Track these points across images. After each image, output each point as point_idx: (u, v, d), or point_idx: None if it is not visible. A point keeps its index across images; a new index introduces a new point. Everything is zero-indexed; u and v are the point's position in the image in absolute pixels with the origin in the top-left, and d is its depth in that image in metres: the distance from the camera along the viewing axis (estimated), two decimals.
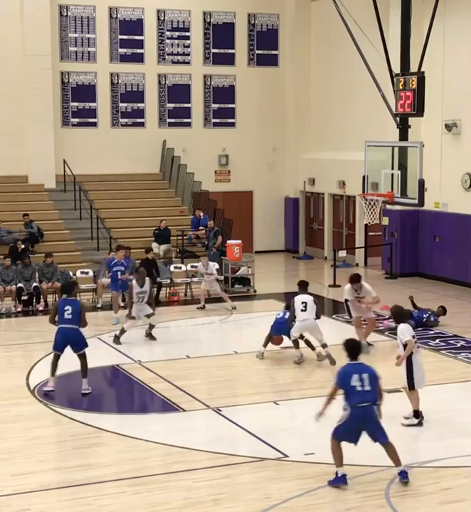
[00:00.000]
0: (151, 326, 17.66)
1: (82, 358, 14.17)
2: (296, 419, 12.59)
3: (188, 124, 29.53)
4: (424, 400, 13.13)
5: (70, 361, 16.40)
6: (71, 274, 21.69)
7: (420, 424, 12.24)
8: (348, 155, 26.48)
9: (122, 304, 19.68)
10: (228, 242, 23.83)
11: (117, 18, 28.39)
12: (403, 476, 10.04)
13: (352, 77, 26.90)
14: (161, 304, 21.46)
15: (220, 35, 29.57)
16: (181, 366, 15.70)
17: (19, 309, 20.64)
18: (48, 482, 10.28)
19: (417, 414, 12.29)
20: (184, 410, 13.10)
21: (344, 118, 28.22)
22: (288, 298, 22.44)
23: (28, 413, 13.03)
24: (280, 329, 15.85)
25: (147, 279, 17.60)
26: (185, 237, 25.05)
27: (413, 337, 12.24)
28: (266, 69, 30.22)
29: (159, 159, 28.92)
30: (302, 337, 15.86)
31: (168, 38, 29.07)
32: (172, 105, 29.24)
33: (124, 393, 14.77)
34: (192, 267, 23.13)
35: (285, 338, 15.89)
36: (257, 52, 30.16)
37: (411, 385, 12.23)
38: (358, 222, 27.18)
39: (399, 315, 12.63)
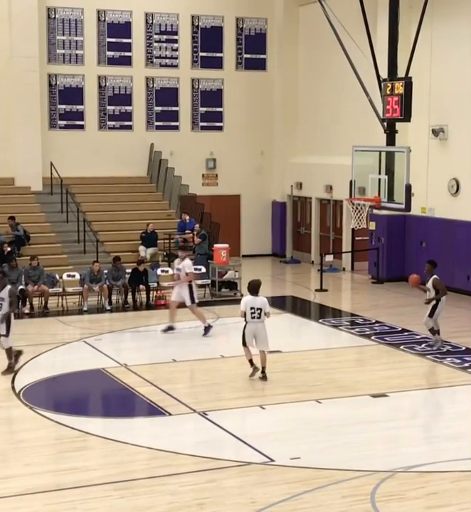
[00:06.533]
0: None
1: None
2: (282, 424, 12.58)
3: (176, 128, 29.51)
4: (412, 403, 13.25)
5: (56, 365, 16.40)
6: (57, 276, 21.64)
7: (255, 370, 14.66)
8: (336, 159, 26.52)
9: None
10: (215, 245, 23.82)
11: (105, 20, 28.35)
12: None
13: (340, 82, 26.94)
14: (149, 307, 21.48)
15: (208, 38, 29.56)
16: (167, 370, 15.68)
17: None
18: (33, 486, 10.23)
19: (251, 362, 14.69)
20: (170, 414, 13.06)
21: (331, 122, 28.26)
22: (276, 302, 22.54)
23: (13, 416, 12.97)
24: None
25: (8, 287, 15.35)
26: (172, 241, 25.03)
27: (252, 308, 14.47)
28: (254, 73, 30.24)
29: (147, 162, 28.89)
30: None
31: (156, 41, 29.04)
32: (160, 108, 29.22)
33: (109, 397, 14.73)
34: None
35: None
36: (245, 56, 30.17)
37: (243, 342, 14.67)
38: (345, 227, 27.24)
39: (253, 287, 14.68)
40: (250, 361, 14.77)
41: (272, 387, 14.42)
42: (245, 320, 14.65)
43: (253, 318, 14.56)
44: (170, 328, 18.55)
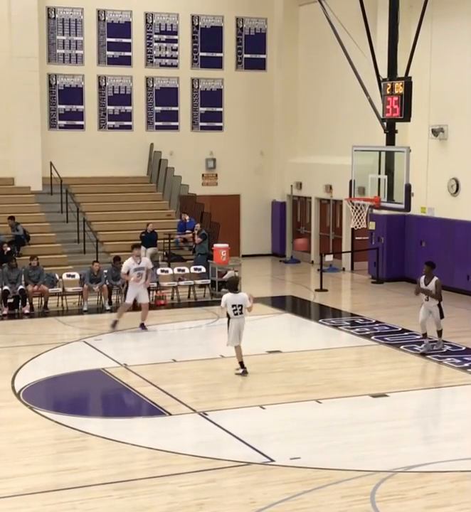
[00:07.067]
0: None
1: None
2: (282, 424, 12.58)
3: (176, 127, 29.51)
4: (412, 403, 13.25)
5: (56, 365, 16.40)
6: (57, 276, 21.64)
7: (244, 373, 14.94)
8: (336, 159, 26.52)
9: None
10: (215, 245, 23.81)
11: (104, 20, 28.34)
12: None
13: (340, 82, 26.94)
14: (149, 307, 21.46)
15: (208, 38, 29.56)
16: (167, 370, 15.67)
17: (5, 312, 20.54)
18: (33, 486, 10.23)
19: (242, 364, 15.01)
20: (170, 414, 13.06)
21: (331, 122, 28.27)
22: (276, 302, 22.56)
23: (13, 416, 12.97)
24: None
25: None
26: (172, 241, 25.03)
27: (233, 306, 14.96)
28: (254, 73, 30.24)
29: (146, 162, 28.89)
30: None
31: (156, 41, 29.04)
32: (160, 108, 29.22)
33: (109, 397, 14.73)
34: (179, 270, 23.14)
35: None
36: (245, 56, 30.17)
37: (228, 343, 15.15)
38: (345, 227, 27.24)
39: (229, 285, 15.60)
40: (241, 363, 15.08)
41: (272, 387, 14.42)
42: (228, 317, 15.14)
43: (236, 314, 15.04)
44: (116, 323, 18.75)
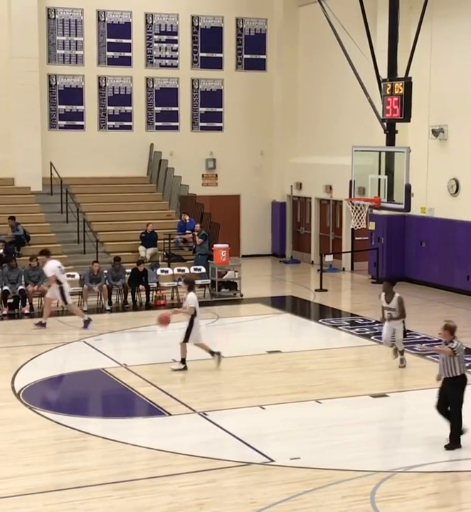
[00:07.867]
0: None
1: None
2: (282, 424, 12.59)
3: (176, 128, 29.52)
4: (412, 403, 13.25)
5: (56, 365, 16.40)
6: None
7: (185, 368, 15.30)
8: (336, 160, 26.52)
9: None
10: (215, 246, 23.82)
11: (104, 21, 28.35)
12: None
13: (340, 82, 26.96)
14: (149, 307, 21.47)
15: (208, 39, 29.56)
16: (167, 370, 15.67)
17: (5, 312, 20.54)
18: (33, 486, 10.24)
19: (184, 361, 15.35)
20: (170, 414, 13.07)
21: (331, 123, 28.28)
22: (276, 302, 22.57)
23: (13, 416, 12.97)
24: None
25: None
26: (172, 241, 25.04)
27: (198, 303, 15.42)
28: (254, 73, 30.24)
29: (146, 162, 28.89)
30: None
31: (156, 42, 29.04)
32: (160, 109, 29.22)
33: (109, 397, 14.73)
34: (179, 270, 23.15)
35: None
36: (245, 56, 30.17)
37: (186, 339, 15.32)
38: (345, 227, 27.24)
39: (190, 284, 15.61)
40: (184, 360, 15.44)
41: (272, 387, 14.43)
42: (195, 315, 15.38)
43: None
44: (42, 324, 19.01)
